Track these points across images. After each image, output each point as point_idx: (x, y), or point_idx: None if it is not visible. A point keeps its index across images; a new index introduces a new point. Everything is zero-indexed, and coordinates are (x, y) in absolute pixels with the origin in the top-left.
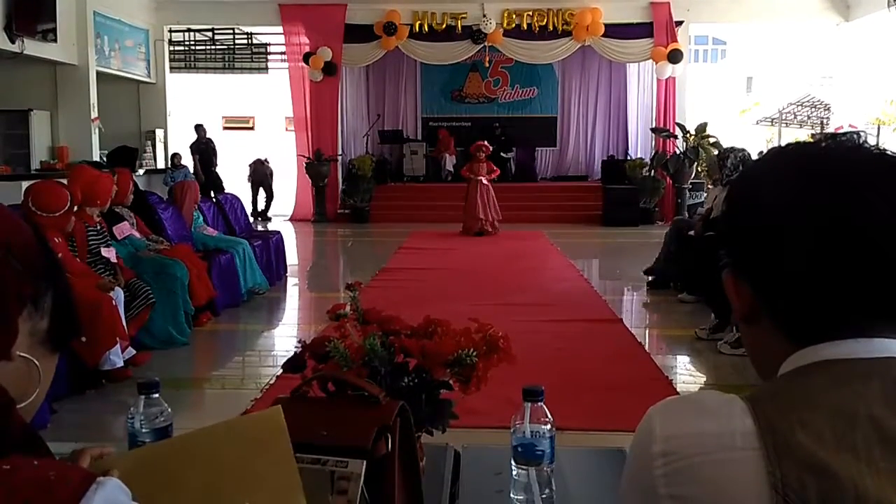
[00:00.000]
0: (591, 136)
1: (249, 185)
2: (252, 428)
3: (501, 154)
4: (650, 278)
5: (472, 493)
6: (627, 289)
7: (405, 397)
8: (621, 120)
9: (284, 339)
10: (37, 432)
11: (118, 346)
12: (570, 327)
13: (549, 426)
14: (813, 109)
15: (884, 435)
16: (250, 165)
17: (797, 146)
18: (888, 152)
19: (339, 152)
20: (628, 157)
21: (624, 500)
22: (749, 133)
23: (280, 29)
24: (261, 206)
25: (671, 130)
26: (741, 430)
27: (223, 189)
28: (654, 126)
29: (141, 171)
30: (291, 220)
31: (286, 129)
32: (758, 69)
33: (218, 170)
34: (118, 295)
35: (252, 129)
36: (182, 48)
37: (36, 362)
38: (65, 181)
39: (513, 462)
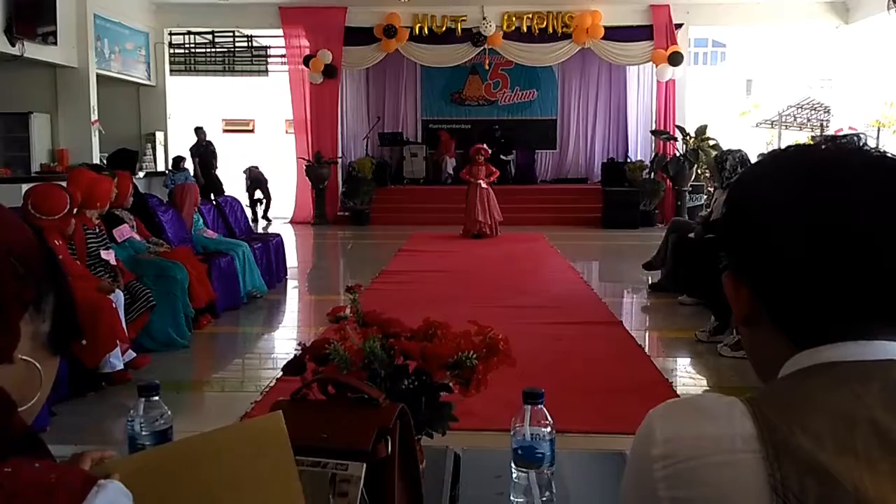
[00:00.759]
0: (591, 139)
1: (247, 194)
2: (253, 432)
3: (501, 156)
4: (651, 281)
5: (472, 495)
6: (627, 291)
7: (405, 400)
8: (621, 122)
9: (284, 341)
10: (38, 435)
11: (118, 348)
12: (570, 330)
13: (549, 429)
14: (813, 112)
15: (884, 437)
16: (245, 172)
17: (797, 149)
18: (888, 154)
19: (339, 155)
20: (628, 160)
21: (624, 503)
22: (749, 135)
23: (280, 32)
24: (259, 210)
25: (671, 133)
26: (741, 433)
27: (223, 192)
28: (653, 128)
29: (141, 174)
30: (291, 222)
31: (286, 132)
32: (757, 72)
33: (218, 172)
34: (118, 297)
35: (252, 131)
36: (182, 51)
37: (37, 365)
38: (64, 184)
39: (513, 465)
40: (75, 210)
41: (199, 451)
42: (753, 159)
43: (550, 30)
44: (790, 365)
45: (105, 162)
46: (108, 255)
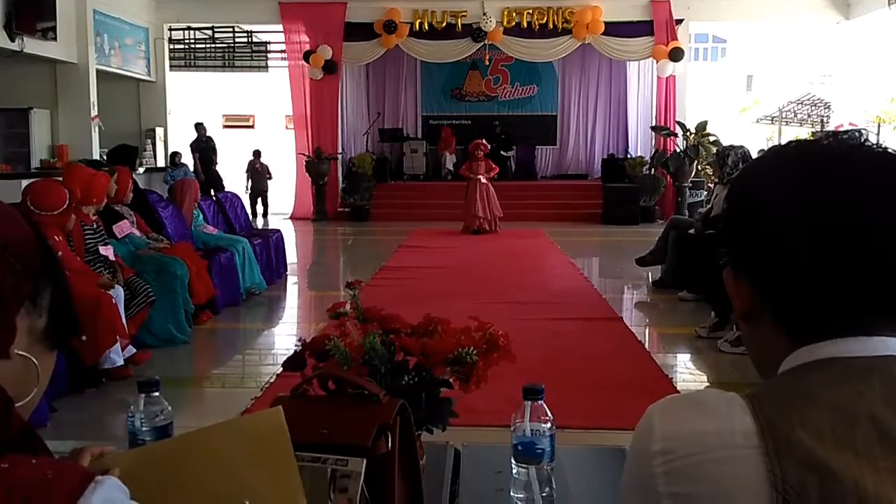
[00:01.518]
0: (592, 135)
1: (248, 195)
2: (252, 428)
3: (501, 152)
4: (651, 278)
5: (472, 491)
6: (628, 287)
7: (405, 396)
8: (621, 118)
9: (284, 337)
10: (35, 431)
11: (118, 344)
12: (570, 325)
13: (549, 424)
14: (813, 107)
15: (884, 433)
16: (247, 173)
17: (798, 144)
18: (889, 150)
19: (340, 151)
20: (628, 156)
21: (624, 499)
22: (749, 131)
23: (280, 27)
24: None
25: (671, 129)
26: (741, 429)
27: (223, 187)
28: (654, 124)
29: (141, 170)
30: (291, 218)
31: (286, 128)
32: (758, 67)
33: (218, 168)
34: (118, 293)
35: (252, 127)
36: (182, 46)
37: (34, 360)
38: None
39: (513, 460)
40: (74, 206)
41: (199, 447)
42: (754, 156)
43: (551, 25)
44: (790, 361)
45: (105, 158)
46: (107, 251)
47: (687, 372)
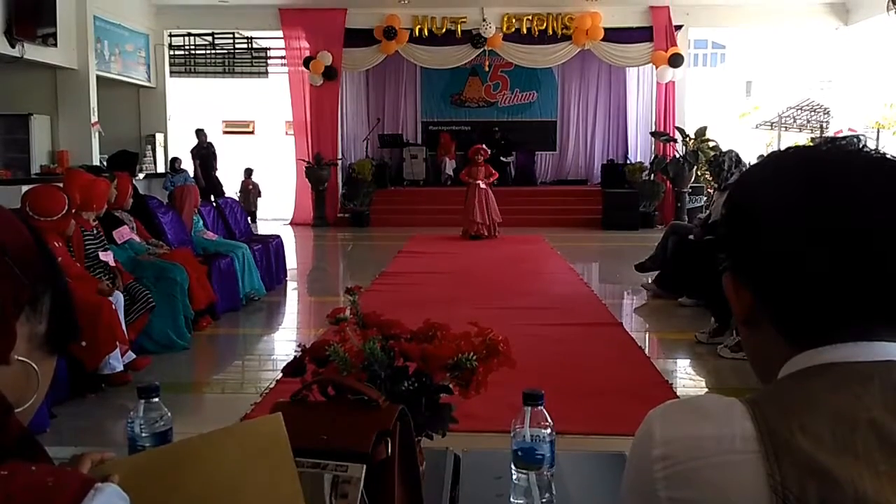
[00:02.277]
0: (591, 140)
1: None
2: (252, 434)
3: (501, 158)
4: (649, 280)
5: (472, 497)
6: (627, 292)
7: (405, 401)
8: (621, 124)
9: (284, 343)
10: (34, 437)
11: (118, 350)
12: (570, 331)
13: (549, 430)
14: (812, 113)
15: (884, 438)
16: (240, 193)
17: (797, 150)
18: (888, 156)
19: (339, 156)
20: (628, 161)
21: None
22: (748, 137)
23: (280, 33)
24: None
25: (671, 134)
26: (741, 434)
27: (223, 193)
28: (653, 130)
29: (141, 176)
30: (291, 224)
31: (286, 134)
32: (757, 73)
33: (217, 174)
34: (118, 299)
35: (252, 133)
36: (182, 52)
37: (34, 366)
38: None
39: (513, 466)
40: (73, 211)
41: (199, 453)
42: (752, 161)
43: (550, 31)
44: (790, 366)
45: (105, 164)
46: (107, 257)
47: (687, 377)
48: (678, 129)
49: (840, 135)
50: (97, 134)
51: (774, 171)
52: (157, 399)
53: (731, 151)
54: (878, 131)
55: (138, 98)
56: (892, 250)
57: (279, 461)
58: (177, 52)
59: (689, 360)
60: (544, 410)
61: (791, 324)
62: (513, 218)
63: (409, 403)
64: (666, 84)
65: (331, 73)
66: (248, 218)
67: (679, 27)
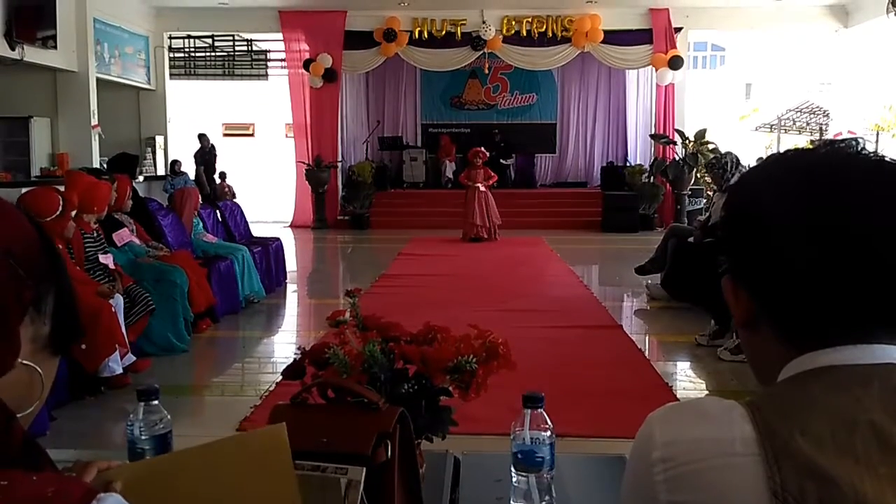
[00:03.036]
0: (591, 143)
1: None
2: (254, 444)
3: (501, 160)
4: (649, 282)
5: (471, 499)
6: (627, 295)
7: (405, 404)
8: (620, 126)
9: (284, 345)
10: (38, 443)
11: (117, 352)
12: (570, 333)
13: (549, 433)
14: (812, 115)
15: (883, 441)
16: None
17: (796, 152)
18: (887, 158)
19: (339, 159)
20: (628, 164)
21: None
22: (748, 139)
23: (280, 36)
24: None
25: (670, 137)
26: (741, 436)
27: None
28: (653, 132)
29: (141, 178)
30: (291, 226)
31: (286, 136)
32: (757, 75)
33: (216, 176)
34: (117, 301)
35: (252, 135)
36: (182, 55)
37: (38, 370)
38: (62, 188)
39: (513, 469)
40: (73, 213)
41: (201, 462)
42: (752, 163)
43: (550, 34)
44: (790, 368)
45: (105, 166)
46: (107, 260)
47: (687, 380)
48: (678, 131)
49: (839, 137)
50: (97, 136)
51: (774, 174)
52: (156, 402)
53: (730, 154)
54: (878, 134)
55: (138, 100)
56: (891, 253)
57: (281, 473)
58: (177, 55)
59: (689, 363)
60: (544, 413)
61: (790, 326)
62: (513, 220)
63: (409, 406)
64: (665, 86)
65: (331, 76)
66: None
67: (679, 29)
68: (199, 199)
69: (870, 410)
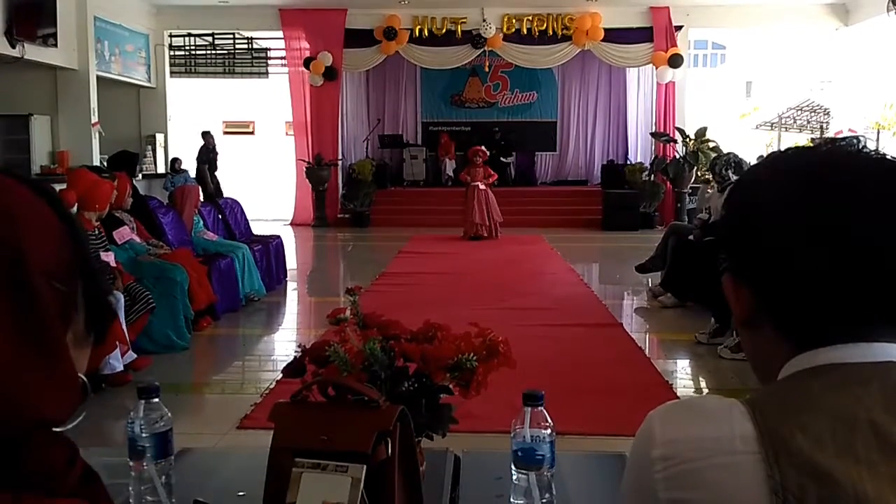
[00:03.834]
0: (591, 141)
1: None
2: None
3: (501, 159)
4: (650, 284)
5: (472, 497)
6: (627, 293)
7: (405, 402)
8: (621, 124)
9: (284, 343)
10: (96, 473)
11: (118, 350)
12: (571, 331)
13: (549, 431)
14: (812, 114)
15: (883, 439)
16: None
17: (797, 151)
18: (888, 156)
19: (340, 157)
20: (628, 162)
21: None
22: (749, 137)
23: (280, 34)
24: None
25: (671, 135)
26: (741, 434)
27: (222, 194)
28: (653, 131)
29: (141, 176)
30: (291, 224)
31: (286, 134)
32: (757, 73)
33: (217, 174)
34: (118, 299)
35: (252, 133)
36: (182, 53)
37: (83, 378)
38: (64, 186)
39: (513, 467)
40: (73, 211)
41: None
42: (752, 162)
43: (550, 32)
44: (790, 367)
45: (105, 164)
46: (108, 257)
47: (687, 378)
48: (678, 129)
49: (840, 135)
50: (97, 134)
51: (774, 172)
52: (157, 399)
53: (730, 154)
54: (878, 132)
55: (138, 98)
56: (891, 251)
57: None
58: (177, 53)
59: (689, 361)
60: (544, 411)
61: (791, 324)
62: (513, 218)
63: (410, 404)
64: (666, 84)
65: (331, 74)
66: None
67: (679, 28)
68: (200, 197)
69: (870, 409)
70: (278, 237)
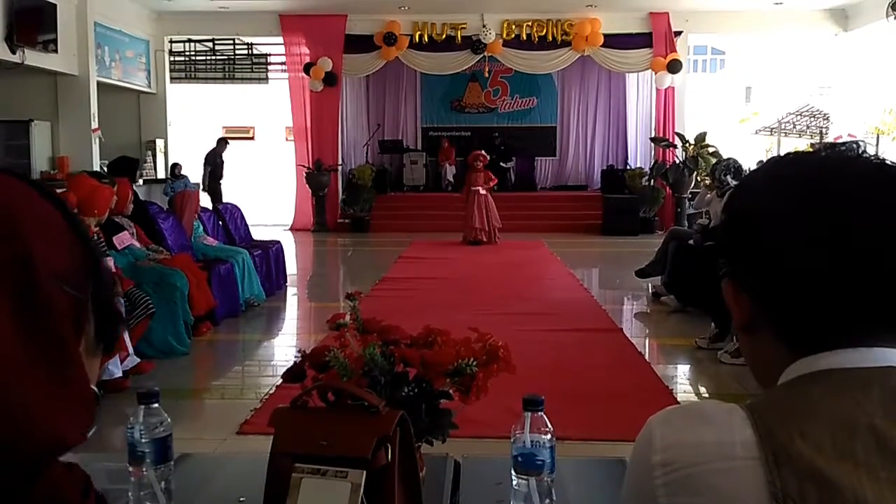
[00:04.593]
0: (591, 146)
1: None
2: None
3: (501, 164)
4: (651, 290)
5: (472, 503)
6: (627, 298)
7: (405, 407)
8: (621, 129)
9: (284, 348)
10: (105, 499)
11: (117, 356)
12: (570, 336)
13: (549, 436)
14: (812, 119)
15: (883, 444)
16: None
17: (796, 156)
18: (887, 162)
19: (340, 162)
20: (628, 167)
21: None
22: (748, 143)
23: (280, 39)
24: None
25: (670, 140)
26: (741, 440)
27: (221, 199)
28: (653, 136)
29: (141, 181)
30: (291, 229)
31: (286, 139)
32: (757, 79)
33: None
34: (121, 305)
35: (252, 139)
36: (182, 58)
37: (96, 390)
38: (64, 191)
39: (513, 472)
40: None
41: None
42: (752, 167)
43: (550, 37)
44: (790, 372)
45: (106, 169)
46: (107, 263)
47: (687, 383)
48: (678, 134)
49: (839, 140)
50: (97, 140)
51: (774, 177)
52: (156, 405)
53: (730, 159)
54: (878, 137)
55: (139, 104)
56: (890, 255)
57: None
58: (177, 58)
59: (689, 366)
60: (544, 416)
61: (790, 330)
62: (513, 223)
63: (410, 409)
64: (665, 90)
65: (331, 79)
66: None
67: (678, 33)
68: (200, 203)
69: (870, 414)
70: (278, 242)
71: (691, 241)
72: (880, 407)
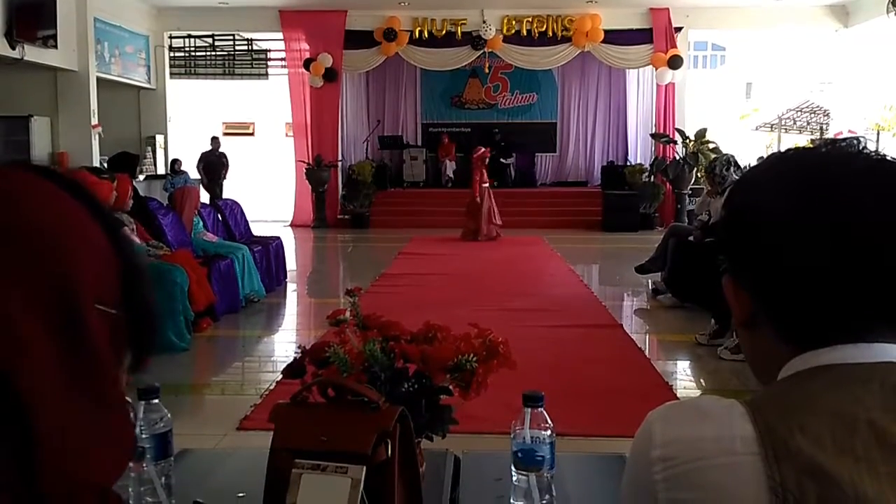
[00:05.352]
0: (591, 142)
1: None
2: None
3: (501, 160)
4: (651, 286)
5: (472, 498)
6: (627, 294)
7: (405, 403)
8: (621, 126)
9: (284, 344)
10: None
11: None
12: (570, 332)
13: (549, 432)
14: (812, 115)
15: (883, 439)
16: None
17: (797, 152)
18: (887, 158)
19: (339, 158)
20: (628, 163)
21: None
22: (748, 139)
23: (280, 35)
24: None
25: (671, 136)
26: (741, 435)
27: (221, 195)
28: (653, 132)
29: (141, 177)
30: (291, 225)
31: (286, 135)
32: (757, 75)
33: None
34: None
35: (252, 134)
36: (182, 54)
37: (131, 402)
38: None
39: (513, 468)
40: None
41: None
42: (752, 163)
43: (550, 33)
44: (790, 367)
45: (105, 165)
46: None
47: (687, 379)
48: (678, 130)
49: (840, 137)
50: (97, 135)
51: (774, 173)
52: (156, 400)
53: (726, 155)
54: (878, 133)
55: (138, 100)
56: (890, 252)
57: None
58: (177, 54)
59: (689, 362)
60: (544, 412)
61: (790, 326)
62: (513, 220)
63: (409, 405)
64: (666, 86)
65: (331, 75)
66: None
67: (679, 29)
68: (200, 198)
69: (870, 409)
70: (278, 238)
71: (691, 238)
72: (880, 402)
